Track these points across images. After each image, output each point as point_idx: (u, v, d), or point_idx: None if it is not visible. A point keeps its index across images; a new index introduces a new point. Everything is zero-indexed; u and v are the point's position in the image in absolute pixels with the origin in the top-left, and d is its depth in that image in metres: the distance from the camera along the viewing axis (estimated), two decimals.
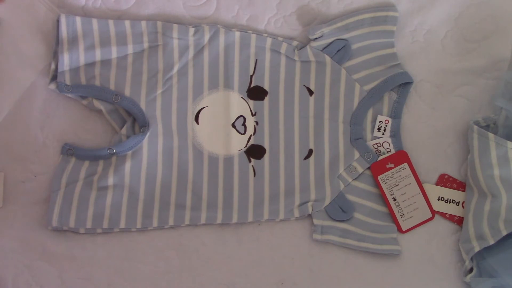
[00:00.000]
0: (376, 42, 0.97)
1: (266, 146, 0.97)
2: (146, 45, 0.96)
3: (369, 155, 0.96)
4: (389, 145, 0.97)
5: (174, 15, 0.98)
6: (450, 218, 0.96)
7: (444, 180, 0.97)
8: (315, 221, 0.94)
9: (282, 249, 0.94)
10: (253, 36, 0.97)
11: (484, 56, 0.98)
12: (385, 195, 0.95)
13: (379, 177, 0.95)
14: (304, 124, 0.97)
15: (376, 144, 0.97)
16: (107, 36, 0.95)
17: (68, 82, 0.94)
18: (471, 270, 0.91)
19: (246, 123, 0.97)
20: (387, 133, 0.97)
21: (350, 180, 0.96)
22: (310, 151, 0.97)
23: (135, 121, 0.96)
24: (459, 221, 0.96)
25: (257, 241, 0.95)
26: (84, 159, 0.95)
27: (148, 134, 0.94)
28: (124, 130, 0.96)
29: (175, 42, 0.96)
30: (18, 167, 0.94)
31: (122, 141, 0.95)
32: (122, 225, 0.92)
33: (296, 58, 0.97)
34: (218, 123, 0.96)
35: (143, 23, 0.96)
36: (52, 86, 0.95)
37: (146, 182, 0.94)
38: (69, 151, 0.95)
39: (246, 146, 0.96)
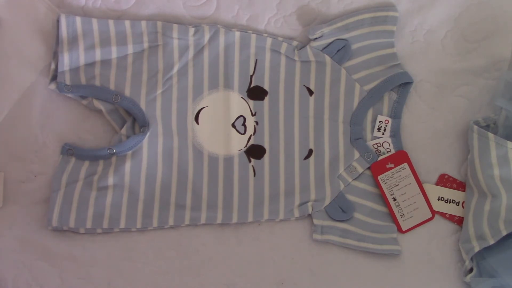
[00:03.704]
0: (376, 42, 0.97)
1: (266, 146, 0.97)
2: (146, 45, 0.96)
3: (369, 155, 0.96)
4: (389, 145, 0.97)
5: (174, 15, 0.98)
6: (450, 218, 0.96)
7: (444, 180, 0.97)
8: (315, 221, 0.94)
9: (282, 249, 0.94)
10: (253, 36, 0.97)
11: (484, 56, 0.98)
12: (385, 195, 0.95)
13: (379, 177, 0.95)
14: (304, 124, 0.97)
15: (376, 144, 0.97)
16: (107, 36, 0.95)
17: (68, 82, 0.94)
18: (471, 270, 0.91)
19: (246, 123, 0.97)
20: (387, 133, 0.97)
21: (350, 180, 0.96)
22: (310, 151, 0.97)
23: (135, 121, 0.96)
24: (459, 221, 0.96)
25: (257, 241, 0.95)
26: (84, 159, 0.95)
27: (148, 134, 0.94)
28: (124, 130, 0.96)
29: (175, 42, 0.96)
30: (18, 167, 0.94)
31: (122, 141, 0.95)
32: (122, 225, 0.92)
33: (296, 58, 0.97)
34: (218, 123, 0.96)
35: (143, 23, 0.96)
36: (52, 86, 0.95)
37: (146, 182, 0.94)
38: (69, 151, 0.95)
39: (246, 146, 0.96)
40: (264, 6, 0.98)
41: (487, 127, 0.94)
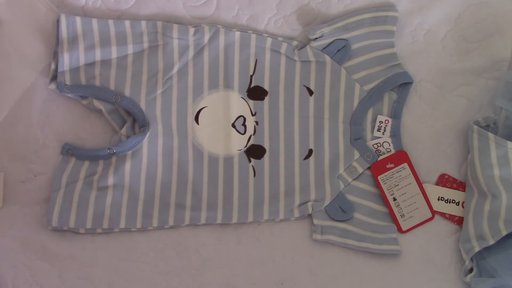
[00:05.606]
0: (376, 42, 0.97)
1: (266, 146, 0.97)
2: (146, 45, 0.96)
3: (369, 155, 0.96)
4: (389, 145, 0.97)
5: (174, 15, 0.98)
6: (450, 218, 0.96)
7: (444, 180, 0.97)
8: (315, 221, 0.94)
9: (282, 249, 0.94)
10: (253, 36, 0.97)
11: (484, 56, 0.99)
12: (385, 195, 0.95)
13: (379, 177, 0.95)
14: (304, 124, 0.97)
15: (376, 144, 0.97)
16: (107, 36, 0.95)
17: (68, 82, 0.94)
18: (471, 270, 0.91)
19: (246, 123, 0.97)
20: (387, 133, 0.97)
21: (350, 180, 0.96)
22: (310, 151, 0.97)
23: (135, 121, 0.96)
24: (459, 221, 0.96)
25: (257, 241, 0.95)
26: (84, 159, 0.95)
27: (148, 134, 0.94)
28: (124, 130, 0.96)
29: (175, 42, 0.96)
30: (18, 167, 0.94)
31: (122, 141, 0.95)
32: (122, 225, 0.92)
33: (296, 58, 0.97)
34: (218, 123, 0.96)
35: (143, 23, 0.96)
36: (52, 86, 0.95)
37: (146, 182, 0.94)
38: (69, 151, 0.95)
39: (246, 146, 0.96)
40: (264, 6, 0.98)
41: (487, 127, 0.94)
